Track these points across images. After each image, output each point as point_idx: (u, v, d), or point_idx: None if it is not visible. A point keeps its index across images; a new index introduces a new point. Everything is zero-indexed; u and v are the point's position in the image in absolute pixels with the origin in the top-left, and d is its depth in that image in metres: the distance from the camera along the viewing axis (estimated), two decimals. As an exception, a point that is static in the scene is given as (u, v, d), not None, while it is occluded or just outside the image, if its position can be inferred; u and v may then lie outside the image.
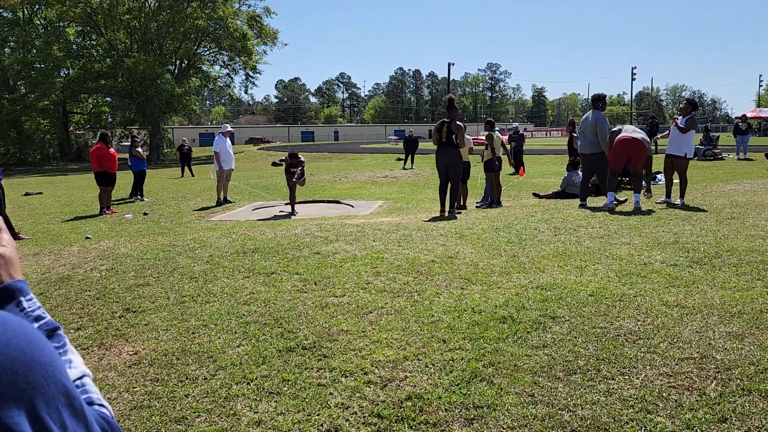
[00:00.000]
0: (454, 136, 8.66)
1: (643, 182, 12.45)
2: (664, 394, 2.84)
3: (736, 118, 23.84)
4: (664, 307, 4.03)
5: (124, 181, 16.17)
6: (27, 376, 0.63)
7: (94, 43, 43.92)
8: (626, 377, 3.04)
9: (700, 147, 21.63)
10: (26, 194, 17.90)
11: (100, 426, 0.75)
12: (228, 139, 13.79)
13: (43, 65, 39.39)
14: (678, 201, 8.84)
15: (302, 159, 12.03)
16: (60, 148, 46.01)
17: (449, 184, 8.95)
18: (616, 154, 8.73)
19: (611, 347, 3.40)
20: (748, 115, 33.08)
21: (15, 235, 9.29)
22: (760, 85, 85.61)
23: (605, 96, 9.63)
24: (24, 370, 0.63)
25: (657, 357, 3.25)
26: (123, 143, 43.05)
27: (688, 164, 9.17)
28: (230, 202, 13.55)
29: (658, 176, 13.02)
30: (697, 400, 2.77)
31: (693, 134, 9.22)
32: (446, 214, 8.79)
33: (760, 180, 12.15)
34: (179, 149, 24.52)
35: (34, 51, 40.17)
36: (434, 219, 8.33)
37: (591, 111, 9.48)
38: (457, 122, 8.69)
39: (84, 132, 48.38)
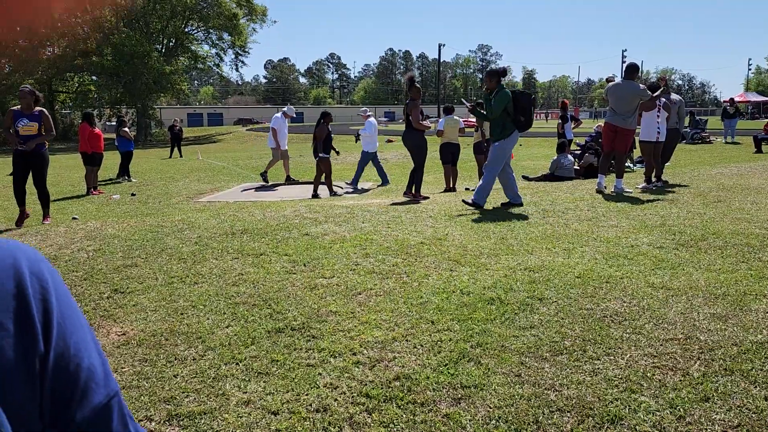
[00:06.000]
0: (410, 117, 8.79)
1: (635, 167, 12.47)
2: (648, 374, 2.88)
3: (724, 101, 23.93)
4: (649, 289, 4.08)
5: (111, 161, 15.99)
6: None
7: (80, 20, 43.09)
8: (611, 358, 3.08)
9: (688, 130, 21.72)
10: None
11: None
12: (287, 120, 13.83)
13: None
14: (648, 185, 8.84)
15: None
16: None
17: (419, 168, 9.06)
18: (605, 134, 8.64)
19: (597, 328, 3.44)
20: (736, 98, 33.22)
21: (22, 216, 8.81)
22: (749, 69, 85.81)
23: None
24: None
25: (642, 338, 3.30)
26: (108, 123, 42.45)
27: (647, 147, 9.06)
28: (294, 181, 13.50)
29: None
30: (680, 380, 2.82)
31: (649, 114, 8.90)
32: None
33: (746, 164, 12.24)
34: (170, 129, 24.28)
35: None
36: (397, 203, 8.33)
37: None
38: (414, 101, 8.80)
39: (69, 111, 47.68)
